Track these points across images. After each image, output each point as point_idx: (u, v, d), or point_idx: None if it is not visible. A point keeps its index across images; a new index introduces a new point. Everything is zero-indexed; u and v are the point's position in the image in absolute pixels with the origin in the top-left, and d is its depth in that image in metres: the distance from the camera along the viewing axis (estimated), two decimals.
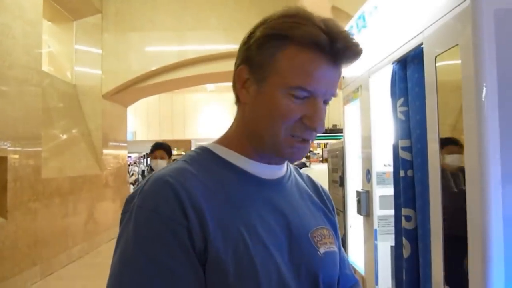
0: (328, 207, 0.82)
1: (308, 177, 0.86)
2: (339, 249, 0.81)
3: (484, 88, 0.95)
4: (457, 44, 1.03)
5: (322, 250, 0.72)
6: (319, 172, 4.29)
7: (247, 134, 0.71)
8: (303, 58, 0.65)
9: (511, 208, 0.94)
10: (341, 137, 2.35)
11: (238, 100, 0.72)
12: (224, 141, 0.74)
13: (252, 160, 0.71)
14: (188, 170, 0.67)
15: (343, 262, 0.82)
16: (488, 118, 0.94)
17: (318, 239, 0.73)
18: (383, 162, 1.71)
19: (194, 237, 0.61)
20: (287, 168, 0.78)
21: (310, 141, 0.69)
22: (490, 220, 0.94)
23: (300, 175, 0.84)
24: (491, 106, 0.94)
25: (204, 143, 0.76)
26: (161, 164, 3.25)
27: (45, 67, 5.53)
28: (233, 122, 0.75)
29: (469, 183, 0.99)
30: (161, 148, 3.39)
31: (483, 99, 0.95)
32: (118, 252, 0.63)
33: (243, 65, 0.69)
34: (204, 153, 0.72)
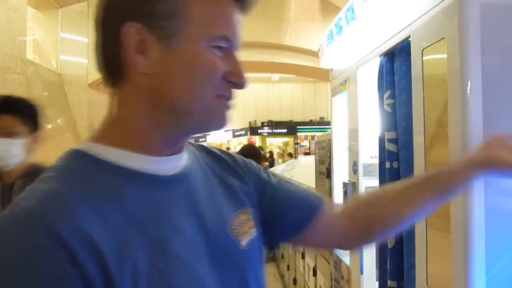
0: (238, 171, 0.70)
1: (204, 147, 0.72)
2: (280, 187, 0.73)
3: (469, 82, 0.96)
4: (443, 38, 1.05)
5: (244, 241, 0.63)
6: (306, 164, 4.33)
7: (150, 117, 0.54)
8: (217, 1, 0.55)
9: (492, 199, 0.96)
10: (329, 130, 2.37)
11: (120, 76, 0.54)
12: (104, 137, 0.56)
13: (149, 156, 0.56)
14: (65, 193, 0.48)
15: (292, 196, 0.74)
16: (472, 112, 0.96)
17: (238, 230, 0.63)
18: (370, 154, 1.73)
19: (94, 283, 0.45)
20: (188, 153, 0.63)
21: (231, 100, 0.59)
22: (472, 211, 0.96)
23: (201, 151, 0.69)
24: (475, 100, 0.96)
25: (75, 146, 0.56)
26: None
27: (30, 55, 5.43)
28: (114, 109, 0.57)
29: None
30: None
31: (467, 93, 0.96)
32: None
33: (131, 23, 0.51)
34: (81, 160, 0.53)
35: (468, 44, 0.97)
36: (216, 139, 16.92)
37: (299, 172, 4.02)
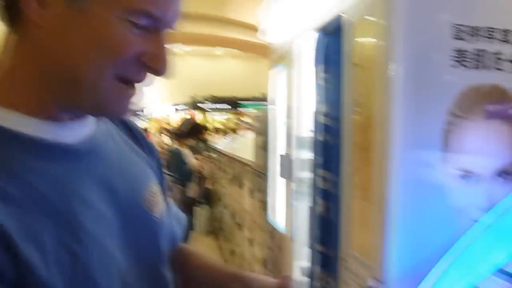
0: (145, 149, 0.66)
1: (123, 121, 0.66)
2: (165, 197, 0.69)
3: (395, 63, 1.01)
4: (371, 17, 1.09)
5: (157, 212, 0.61)
6: (248, 140, 4.36)
7: (39, 76, 0.48)
8: None
9: (411, 174, 1.04)
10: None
11: (16, 18, 0.46)
12: None
13: (49, 121, 0.49)
14: None
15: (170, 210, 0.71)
16: (396, 92, 1.01)
17: (151, 201, 0.60)
18: (306, 127, 1.79)
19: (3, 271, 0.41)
20: (94, 119, 0.57)
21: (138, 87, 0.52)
22: (391, 182, 1.03)
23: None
24: (399, 81, 1.01)
25: None
26: None
27: None
28: (5, 56, 0.49)
29: (375, 150, 1.07)
30: None
31: (392, 75, 1.01)
32: None
33: None
34: None
35: (396, 24, 1.02)
36: (155, 113, 16.45)
37: (241, 147, 4.06)
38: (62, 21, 0.45)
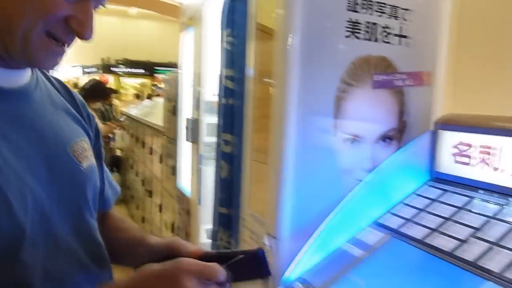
0: (83, 115, 0.75)
1: (60, 81, 0.75)
2: (101, 163, 0.78)
3: (292, 31, 1.03)
4: None
5: (85, 164, 0.67)
6: (160, 105, 4.23)
7: None
8: None
9: (305, 138, 1.08)
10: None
11: None
12: None
13: None
14: None
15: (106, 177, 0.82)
16: (293, 60, 1.04)
17: (79, 153, 0.67)
18: (213, 91, 1.78)
19: None
20: (33, 73, 0.67)
21: (68, 47, 0.60)
22: (287, 147, 1.08)
23: (50, 79, 0.72)
24: (297, 47, 1.03)
25: None
26: None
27: None
28: None
29: (274, 115, 1.11)
30: None
31: (288, 46, 1.03)
32: None
33: None
34: None
35: None
36: (62, 75, 15.13)
37: (154, 112, 3.92)
38: None
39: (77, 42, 0.62)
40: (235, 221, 1.43)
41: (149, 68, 15.98)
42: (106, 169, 0.83)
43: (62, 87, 0.73)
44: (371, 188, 1.06)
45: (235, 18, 1.41)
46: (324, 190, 1.12)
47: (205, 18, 1.74)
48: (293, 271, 0.96)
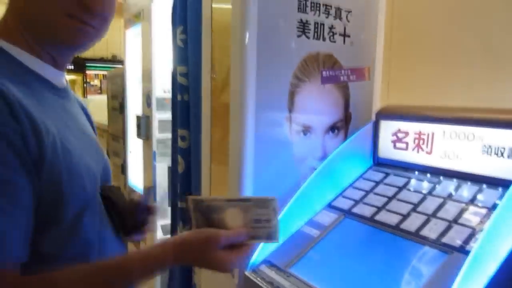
0: (93, 125, 0.90)
1: (74, 93, 0.88)
2: None
3: (248, 30, 1.09)
4: None
5: (105, 155, 0.83)
6: (99, 102, 4.09)
7: (21, 21, 0.66)
8: None
9: (261, 132, 1.14)
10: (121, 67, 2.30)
11: None
12: (3, 33, 0.66)
13: (44, 63, 0.69)
14: None
15: None
16: (249, 57, 1.09)
17: (99, 143, 0.82)
18: (163, 88, 1.79)
19: (29, 143, 0.57)
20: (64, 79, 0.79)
21: (94, 26, 0.69)
22: (245, 141, 1.14)
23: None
24: (252, 45, 1.09)
25: None
26: None
27: None
28: (8, 7, 0.67)
29: (230, 111, 1.16)
30: None
31: (246, 39, 1.09)
32: None
33: None
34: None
35: None
36: None
37: (92, 109, 3.78)
38: None
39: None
40: None
41: (79, 64, 15.15)
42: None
43: (77, 99, 0.86)
44: (323, 175, 1.16)
45: (187, 15, 1.44)
46: (280, 178, 1.20)
47: (153, 15, 1.74)
48: (259, 255, 1.03)
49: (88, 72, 14.96)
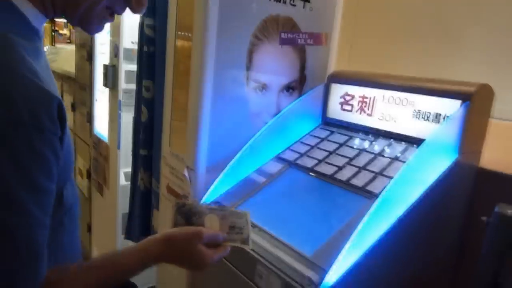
0: None
1: None
2: None
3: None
4: None
5: None
6: (69, 52, 4.00)
7: None
8: None
9: (221, 88, 1.22)
10: None
11: None
12: None
13: (38, 12, 0.63)
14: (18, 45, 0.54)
15: None
16: (211, 17, 1.14)
17: None
18: (131, 39, 1.83)
19: (59, 140, 0.56)
20: None
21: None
22: (204, 97, 1.21)
23: None
24: (215, 5, 1.14)
25: None
26: None
27: None
28: None
29: (192, 67, 1.21)
30: None
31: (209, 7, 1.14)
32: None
33: None
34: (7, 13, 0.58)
35: None
36: None
37: (61, 58, 3.69)
38: None
39: None
40: (155, 162, 1.56)
41: None
42: None
43: None
44: (274, 129, 1.27)
45: None
46: (236, 130, 1.30)
47: None
48: (210, 196, 1.14)
49: (57, 20, 14.23)
